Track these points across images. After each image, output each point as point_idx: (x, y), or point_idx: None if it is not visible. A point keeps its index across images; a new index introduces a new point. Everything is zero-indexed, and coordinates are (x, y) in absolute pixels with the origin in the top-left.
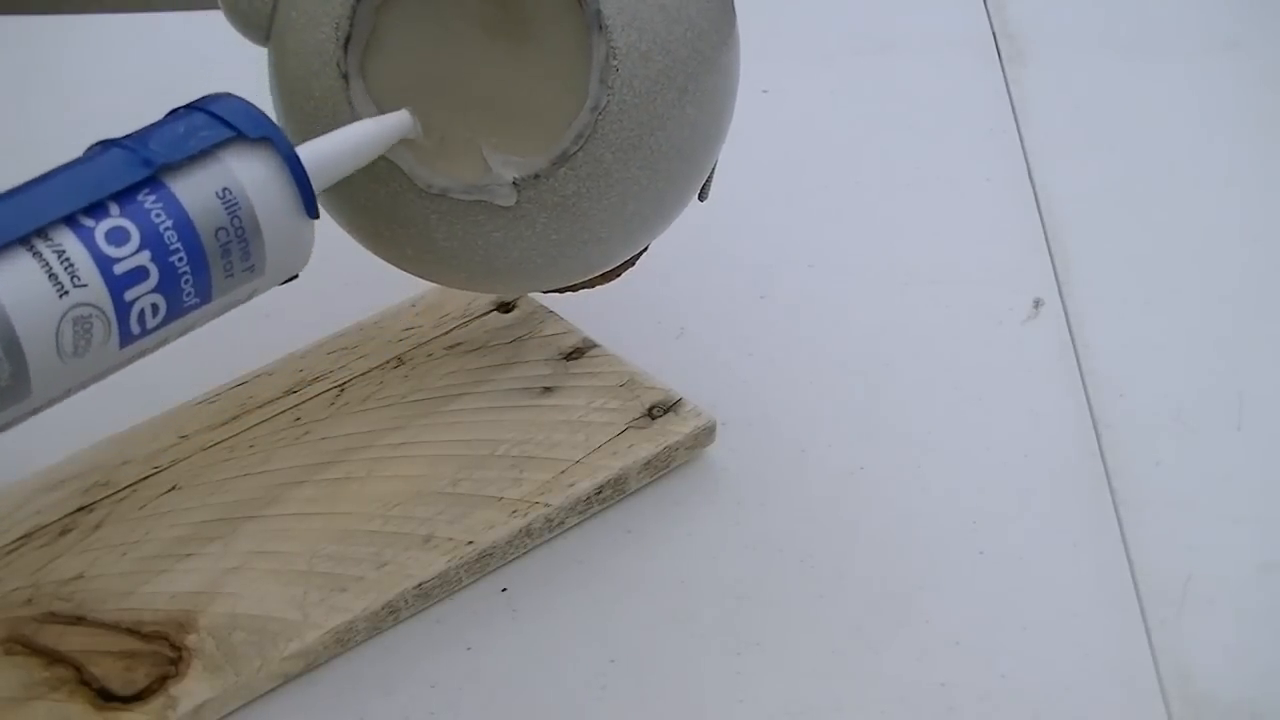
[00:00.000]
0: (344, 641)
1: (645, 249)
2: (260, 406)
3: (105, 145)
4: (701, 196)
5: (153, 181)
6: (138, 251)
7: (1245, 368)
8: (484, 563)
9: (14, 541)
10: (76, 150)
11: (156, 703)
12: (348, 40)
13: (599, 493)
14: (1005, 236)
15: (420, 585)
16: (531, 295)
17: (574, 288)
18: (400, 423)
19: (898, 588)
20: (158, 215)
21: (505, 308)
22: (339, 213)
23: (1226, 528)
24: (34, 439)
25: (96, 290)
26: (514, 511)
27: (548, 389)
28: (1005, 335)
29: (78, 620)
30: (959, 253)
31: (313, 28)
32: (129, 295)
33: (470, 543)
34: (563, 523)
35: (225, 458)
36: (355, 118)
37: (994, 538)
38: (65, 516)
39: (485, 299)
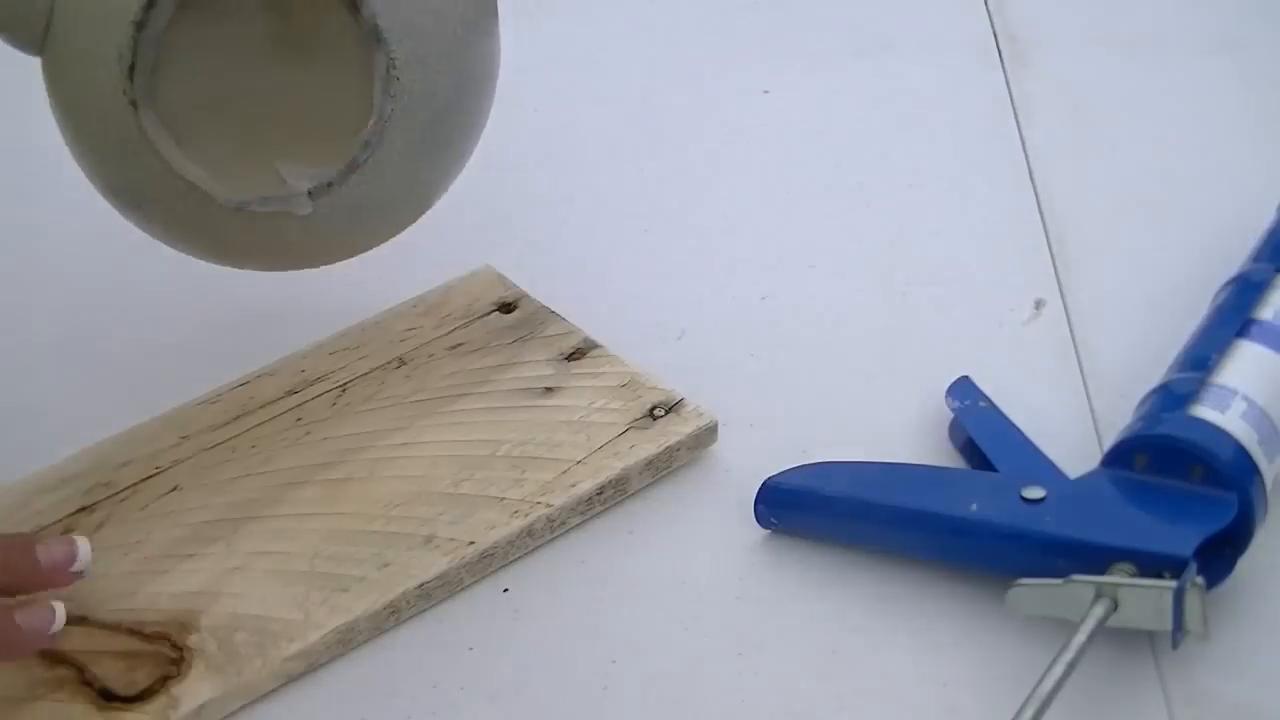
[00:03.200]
0: (346, 642)
1: None
2: (262, 407)
3: None
4: None
5: None
6: None
7: None
8: (485, 563)
9: None
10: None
11: (158, 703)
12: (132, 69)
13: (600, 493)
14: (1005, 236)
15: (422, 586)
16: (533, 296)
17: None
18: (402, 423)
19: (898, 588)
20: None
21: (507, 309)
22: (142, 223)
23: None
24: (34, 439)
25: None
26: (515, 512)
27: (549, 389)
28: (1006, 336)
29: (80, 620)
30: (960, 253)
31: (94, 59)
32: None
33: (472, 543)
34: (564, 523)
35: (227, 458)
36: (147, 141)
37: None
38: (66, 517)
39: (487, 300)
